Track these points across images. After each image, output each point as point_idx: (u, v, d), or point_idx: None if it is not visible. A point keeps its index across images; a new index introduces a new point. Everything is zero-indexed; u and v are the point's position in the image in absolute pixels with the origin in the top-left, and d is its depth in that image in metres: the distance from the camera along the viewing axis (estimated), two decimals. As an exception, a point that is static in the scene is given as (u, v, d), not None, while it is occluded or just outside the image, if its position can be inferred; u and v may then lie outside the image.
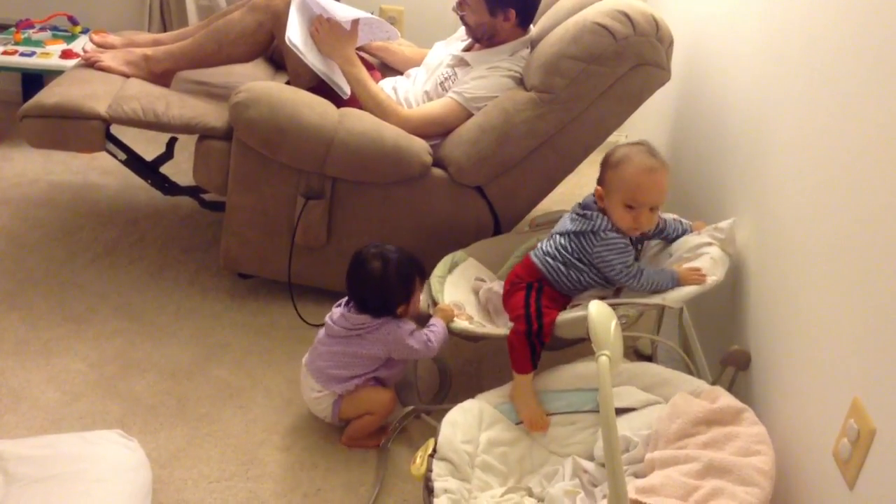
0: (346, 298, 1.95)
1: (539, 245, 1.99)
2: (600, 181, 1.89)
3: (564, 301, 1.94)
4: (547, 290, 1.91)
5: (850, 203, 1.42)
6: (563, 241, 1.92)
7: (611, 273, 1.87)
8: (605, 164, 1.89)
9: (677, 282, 1.82)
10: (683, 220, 2.04)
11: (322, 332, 1.94)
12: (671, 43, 2.18)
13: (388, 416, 1.96)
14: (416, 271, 1.94)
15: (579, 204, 1.94)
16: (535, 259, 1.96)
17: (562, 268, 1.91)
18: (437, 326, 1.93)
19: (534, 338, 1.80)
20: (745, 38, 2.11)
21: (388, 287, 1.89)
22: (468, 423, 1.75)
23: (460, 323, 1.94)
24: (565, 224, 1.95)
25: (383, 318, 1.89)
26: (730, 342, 1.89)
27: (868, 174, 1.37)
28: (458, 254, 2.17)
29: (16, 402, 1.97)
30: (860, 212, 1.38)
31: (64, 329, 2.23)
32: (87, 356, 2.14)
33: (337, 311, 1.93)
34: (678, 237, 2.00)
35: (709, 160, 2.30)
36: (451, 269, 2.13)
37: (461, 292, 2.07)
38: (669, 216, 2.04)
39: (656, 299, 1.82)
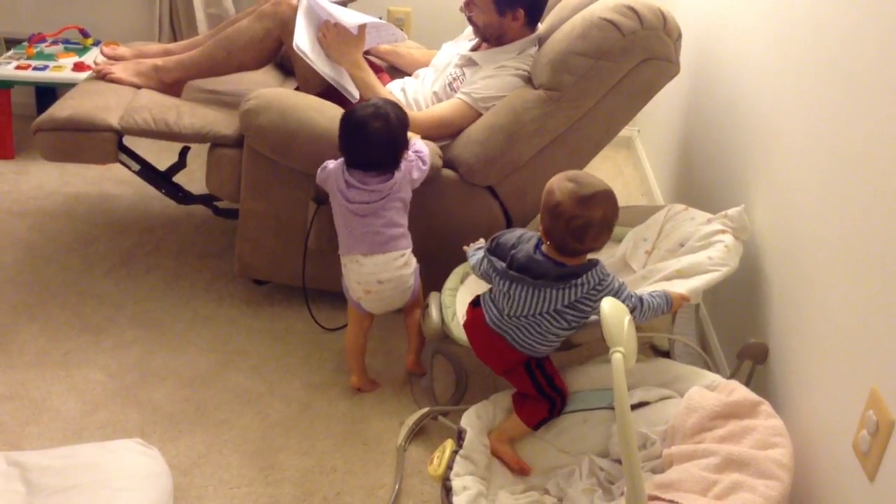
0: (342, 169, 1.97)
1: (514, 335, 1.72)
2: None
3: None
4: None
5: (866, 192, 1.41)
6: (559, 324, 1.68)
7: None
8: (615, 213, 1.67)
9: (671, 304, 1.71)
10: None
11: (348, 214, 1.96)
12: (679, 36, 2.17)
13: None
14: (403, 112, 2.00)
15: (552, 276, 1.63)
16: (521, 350, 1.73)
17: (553, 345, 1.74)
18: (418, 147, 2.06)
19: (556, 411, 1.77)
20: (755, 29, 2.10)
21: (397, 140, 1.96)
22: (487, 423, 1.76)
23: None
24: (544, 302, 1.66)
25: (401, 168, 1.98)
26: (747, 335, 1.88)
27: (882, 164, 1.36)
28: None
29: (37, 413, 2.00)
30: (876, 201, 1.37)
31: (83, 339, 2.25)
32: (106, 366, 2.16)
33: (353, 192, 1.94)
34: None
35: (721, 152, 2.28)
36: (462, 281, 2.12)
37: None
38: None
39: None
